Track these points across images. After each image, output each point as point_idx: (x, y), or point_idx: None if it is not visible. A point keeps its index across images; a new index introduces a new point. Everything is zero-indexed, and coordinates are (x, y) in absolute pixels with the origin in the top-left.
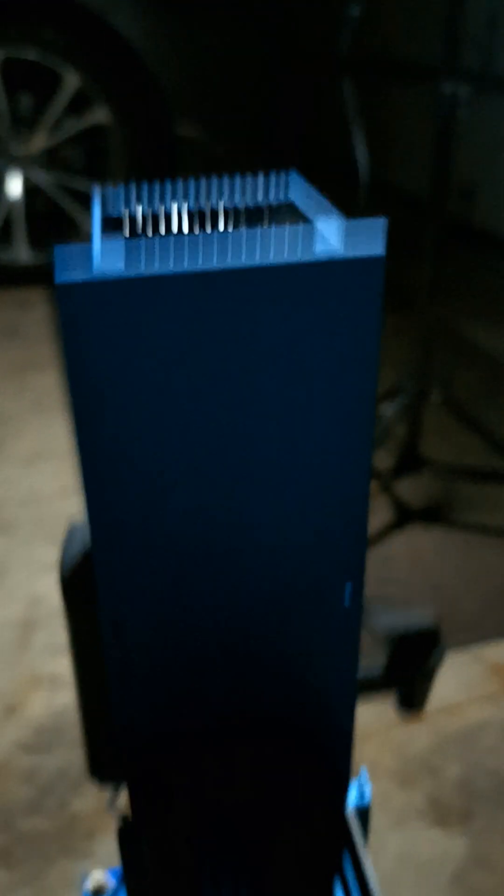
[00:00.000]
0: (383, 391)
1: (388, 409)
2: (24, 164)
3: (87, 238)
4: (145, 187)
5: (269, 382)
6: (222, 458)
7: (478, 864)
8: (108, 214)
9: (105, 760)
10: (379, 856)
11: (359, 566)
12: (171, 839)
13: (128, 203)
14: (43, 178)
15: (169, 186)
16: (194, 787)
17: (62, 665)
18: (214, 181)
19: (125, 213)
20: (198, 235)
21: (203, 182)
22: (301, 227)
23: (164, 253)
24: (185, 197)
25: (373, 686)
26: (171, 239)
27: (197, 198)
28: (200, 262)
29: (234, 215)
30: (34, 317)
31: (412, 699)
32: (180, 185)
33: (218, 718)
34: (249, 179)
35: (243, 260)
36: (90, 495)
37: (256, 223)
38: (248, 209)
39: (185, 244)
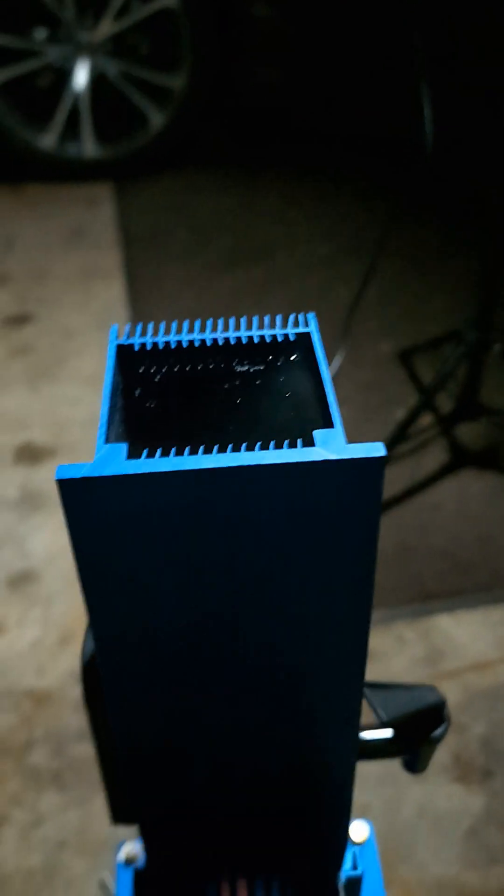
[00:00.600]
0: (447, 334)
1: (451, 354)
2: (89, 52)
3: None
4: (162, 327)
5: (264, 567)
6: (219, 631)
7: (493, 821)
8: (122, 342)
9: (123, 814)
10: (400, 806)
11: (356, 706)
12: (178, 880)
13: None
14: (109, 66)
15: (186, 325)
16: (198, 841)
17: None
18: (232, 323)
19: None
20: (198, 426)
21: (220, 323)
22: (300, 434)
23: (165, 450)
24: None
25: (377, 753)
26: (172, 436)
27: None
28: (197, 458)
29: (241, 380)
30: (101, 216)
31: (415, 765)
32: (197, 324)
33: (218, 796)
34: (267, 338)
35: (241, 458)
36: (101, 652)
37: (263, 393)
38: (256, 372)
39: (184, 442)
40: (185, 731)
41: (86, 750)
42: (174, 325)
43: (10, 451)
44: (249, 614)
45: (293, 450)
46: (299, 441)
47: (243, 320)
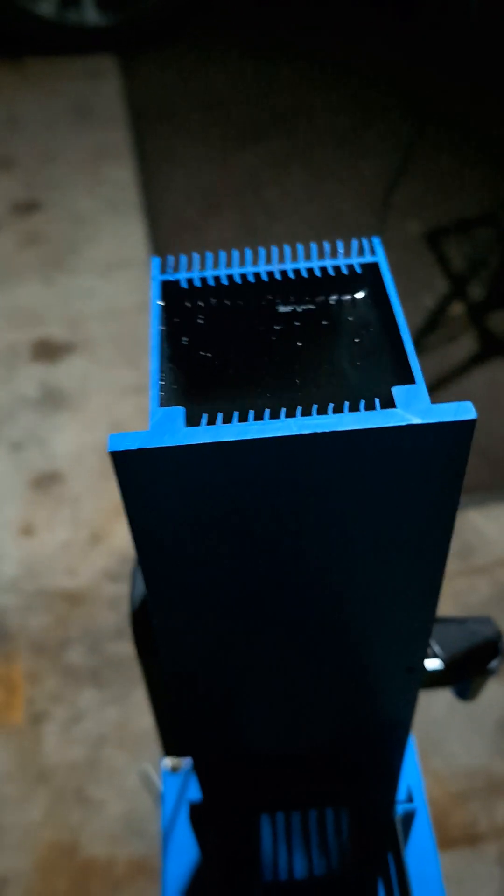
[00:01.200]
0: (480, 216)
1: (485, 239)
2: None
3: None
4: (209, 259)
5: (334, 529)
6: (279, 588)
7: None
8: (167, 278)
9: (176, 748)
10: (431, 701)
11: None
12: (232, 812)
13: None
14: None
15: (237, 258)
16: (252, 776)
17: None
18: (287, 253)
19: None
20: (257, 378)
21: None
22: (380, 392)
23: (226, 414)
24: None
25: (431, 683)
26: (229, 389)
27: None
28: (263, 426)
29: (300, 321)
30: (107, 91)
31: (466, 693)
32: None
33: (275, 734)
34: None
35: (312, 424)
36: (156, 608)
37: (326, 336)
38: (316, 313)
39: (243, 398)
40: (241, 675)
41: (122, 647)
42: (223, 257)
43: (27, 347)
44: (314, 574)
45: (371, 413)
46: (377, 401)
47: (300, 249)
